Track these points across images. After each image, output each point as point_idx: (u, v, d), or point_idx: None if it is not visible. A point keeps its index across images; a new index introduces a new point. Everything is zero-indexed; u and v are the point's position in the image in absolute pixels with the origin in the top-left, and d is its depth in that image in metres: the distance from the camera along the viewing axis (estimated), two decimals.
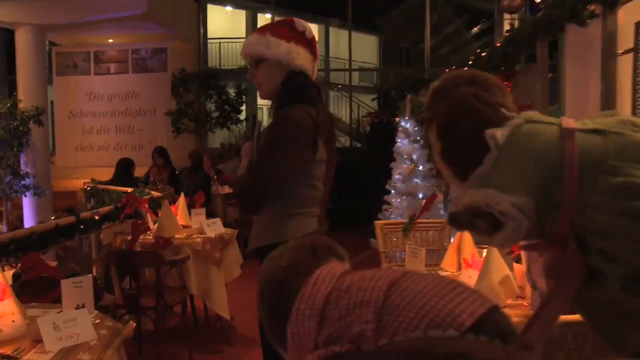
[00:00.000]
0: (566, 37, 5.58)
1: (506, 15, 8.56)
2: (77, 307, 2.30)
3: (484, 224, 1.00)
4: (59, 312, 2.33)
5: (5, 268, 4.48)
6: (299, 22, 2.25)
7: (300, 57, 2.19)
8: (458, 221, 1.04)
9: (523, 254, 1.31)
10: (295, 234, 2.11)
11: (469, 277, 2.46)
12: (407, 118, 6.44)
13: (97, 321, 2.31)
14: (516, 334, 0.73)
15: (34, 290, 2.94)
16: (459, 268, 2.85)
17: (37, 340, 2.06)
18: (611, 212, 0.96)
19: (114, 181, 7.83)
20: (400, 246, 3.92)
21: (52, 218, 3.76)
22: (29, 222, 9.98)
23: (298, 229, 2.15)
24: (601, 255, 0.99)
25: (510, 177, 1.00)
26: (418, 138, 6.28)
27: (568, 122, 1.04)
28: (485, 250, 2.42)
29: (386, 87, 14.79)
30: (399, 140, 6.49)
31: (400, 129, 6.50)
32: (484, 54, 5.23)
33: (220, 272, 4.36)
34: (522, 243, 1.13)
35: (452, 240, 3.36)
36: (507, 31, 5.82)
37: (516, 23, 6.38)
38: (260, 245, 2.17)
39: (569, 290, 1.05)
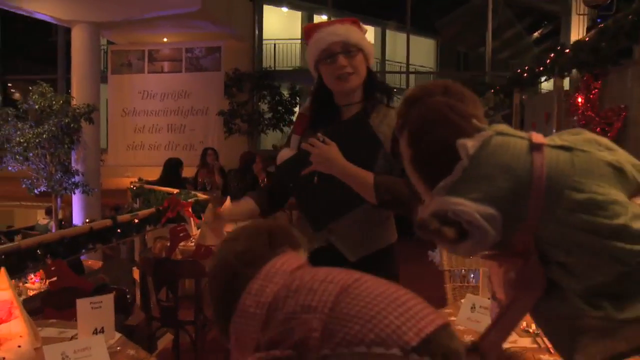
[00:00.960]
0: None
1: (576, 15, 7.99)
2: (95, 332, 1.95)
3: (451, 232, 1.00)
4: (74, 337, 1.98)
5: (36, 276, 4.23)
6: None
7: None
8: (426, 228, 1.02)
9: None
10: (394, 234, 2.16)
11: None
12: None
13: (117, 348, 1.95)
14: (459, 354, 0.72)
15: (58, 303, 2.63)
16: None
17: None
18: (574, 227, 0.98)
19: (162, 181, 7.58)
20: (469, 264, 3.44)
21: (87, 221, 3.44)
22: (77, 219, 9.90)
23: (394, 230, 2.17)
24: (561, 269, 1.02)
25: (478, 188, 1.01)
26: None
27: (537, 137, 1.05)
28: None
29: None
30: None
31: None
32: (567, 50, 4.68)
33: None
34: (483, 253, 1.12)
35: None
36: (591, 27, 5.25)
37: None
38: (376, 249, 2.09)
39: (528, 301, 1.07)
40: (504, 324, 1.08)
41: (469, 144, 1.03)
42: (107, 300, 1.97)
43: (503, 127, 1.08)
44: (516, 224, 1.02)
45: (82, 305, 1.93)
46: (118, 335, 2.05)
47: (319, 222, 2.05)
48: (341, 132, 2.02)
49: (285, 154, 2.13)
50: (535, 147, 1.03)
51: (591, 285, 1.01)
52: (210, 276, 0.90)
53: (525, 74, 5.72)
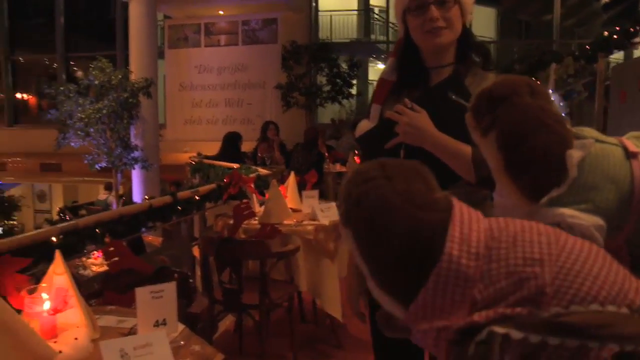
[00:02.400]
0: None
1: None
2: (157, 324, 1.74)
3: None
4: (133, 328, 1.79)
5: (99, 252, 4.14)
6: None
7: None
8: None
9: None
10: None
11: None
12: (550, 91, 5.53)
13: (181, 343, 1.75)
14: None
15: (117, 286, 2.46)
16: None
17: None
18: None
19: (220, 156, 7.44)
20: None
21: (146, 198, 3.27)
22: (137, 194, 9.95)
23: None
24: None
25: (587, 198, 0.99)
26: (564, 114, 5.37)
27: (630, 144, 1.04)
28: None
29: (506, 61, 13.66)
30: None
31: None
32: None
33: (334, 266, 3.74)
34: None
35: None
36: None
37: None
38: None
39: None
40: None
41: (575, 155, 1.00)
42: (169, 289, 1.76)
43: (596, 133, 1.05)
44: (615, 232, 1.01)
45: (142, 294, 1.72)
46: (181, 326, 1.85)
47: None
48: (432, 98, 1.73)
49: (364, 126, 1.86)
50: (632, 156, 1.02)
51: None
52: (373, 226, 0.77)
53: (615, 35, 5.22)
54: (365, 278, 0.85)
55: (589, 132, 1.05)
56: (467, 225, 0.75)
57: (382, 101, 1.87)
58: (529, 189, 1.03)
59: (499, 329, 0.70)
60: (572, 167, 0.99)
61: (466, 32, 1.79)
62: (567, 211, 0.98)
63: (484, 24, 16.35)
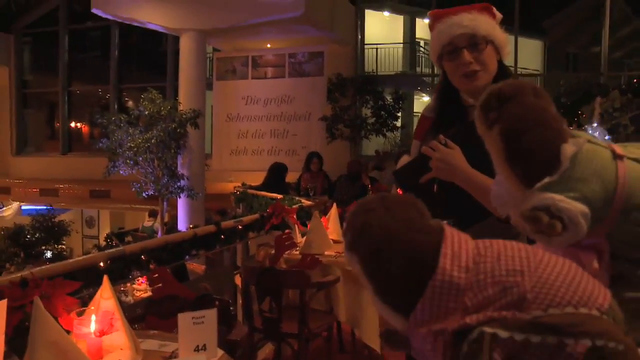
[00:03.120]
0: None
1: None
2: (197, 349, 1.79)
3: (559, 226, 1.06)
4: (174, 353, 1.84)
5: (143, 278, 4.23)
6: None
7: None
8: (538, 220, 1.08)
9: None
10: None
11: None
12: (595, 125, 5.45)
13: None
14: (623, 320, 0.84)
15: (160, 311, 2.52)
16: None
17: None
18: None
19: (265, 186, 7.52)
20: None
21: (191, 226, 3.35)
22: (182, 222, 10.12)
23: None
24: (630, 263, 1.14)
25: (575, 188, 1.09)
26: None
27: (617, 147, 1.16)
28: None
29: (552, 94, 13.44)
30: None
31: None
32: None
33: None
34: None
35: None
36: None
37: None
38: None
39: None
40: None
41: (568, 148, 1.10)
42: (210, 316, 1.81)
43: (589, 135, 1.17)
44: (596, 223, 1.11)
45: (184, 320, 1.78)
46: (220, 352, 1.89)
47: None
48: (465, 135, 1.75)
49: (404, 161, 1.90)
50: (618, 157, 1.13)
51: None
52: (375, 249, 0.89)
53: None
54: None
55: (584, 134, 1.16)
56: (457, 244, 0.88)
57: (421, 137, 1.92)
58: (525, 177, 1.14)
59: (488, 329, 0.81)
60: (565, 159, 1.10)
61: (502, 68, 1.83)
62: (557, 196, 1.08)
63: (530, 56, 16.15)
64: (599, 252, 1.17)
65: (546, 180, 1.11)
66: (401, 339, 0.95)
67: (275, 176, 7.82)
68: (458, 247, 0.88)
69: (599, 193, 1.11)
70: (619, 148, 1.17)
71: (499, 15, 1.85)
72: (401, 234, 0.89)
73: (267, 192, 6.87)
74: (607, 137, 5.38)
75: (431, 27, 1.87)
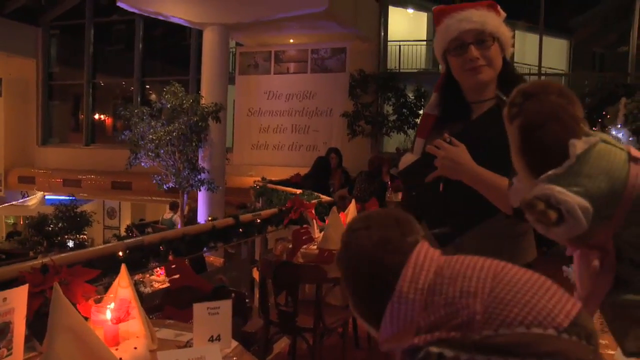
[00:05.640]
0: None
1: None
2: (211, 339, 1.81)
3: (553, 215, 1.11)
4: (189, 342, 1.86)
5: (161, 269, 4.27)
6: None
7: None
8: (533, 207, 1.12)
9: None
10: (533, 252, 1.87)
11: None
12: (619, 126, 5.37)
13: (233, 359, 1.81)
14: (597, 336, 0.83)
15: (177, 302, 2.56)
16: None
17: None
18: None
19: (311, 177, 7.40)
20: None
21: (210, 219, 3.38)
22: (201, 215, 10.19)
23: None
24: (633, 265, 1.15)
25: (580, 183, 1.12)
26: None
27: (635, 151, 1.18)
28: None
29: (577, 94, 13.24)
30: None
31: None
32: None
33: None
34: (569, 239, 1.22)
35: None
36: None
37: None
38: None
39: (602, 292, 1.21)
40: (589, 310, 1.18)
41: (578, 145, 1.14)
42: (225, 307, 1.83)
43: (606, 136, 1.20)
44: (602, 221, 1.13)
45: (199, 310, 1.80)
46: (235, 343, 1.91)
47: (445, 235, 1.76)
48: (471, 133, 1.75)
49: (408, 159, 1.90)
50: (633, 159, 1.15)
51: None
52: (347, 265, 0.97)
53: None
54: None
55: (601, 134, 1.19)
56: (420, 265, 0.91)
57: (425, 135, 1.91)
58: (534, 168, 1.20)
59: (434, 349, 0.85)
60: (572, 154, 1.14)
61: (506, 66, 1.83)
62: (557, 188, 1.12)
63: (555, 55, 15.97)
64: (604, 251, 1.19)
65: (551, 172, 1.15)
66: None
67: (324, 170, 7.68)
68: (420, 268, 0.91)
69: (604, 191, 1.13)
70: (636, 151, 1.18)
71: (503, 14, 1.84)
72: (372, 255, 0.94)
73: (314, 185, 6.76)
74: (631, 139, 5.29)
75: (437, 22, 1.86)
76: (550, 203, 1.13)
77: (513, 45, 1.85)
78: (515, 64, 15.15)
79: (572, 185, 1.13)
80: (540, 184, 1.16)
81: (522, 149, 1.22)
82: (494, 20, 1.78)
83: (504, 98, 1.78)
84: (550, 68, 15.14)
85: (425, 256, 0.94)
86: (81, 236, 12.11)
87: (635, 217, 1.15)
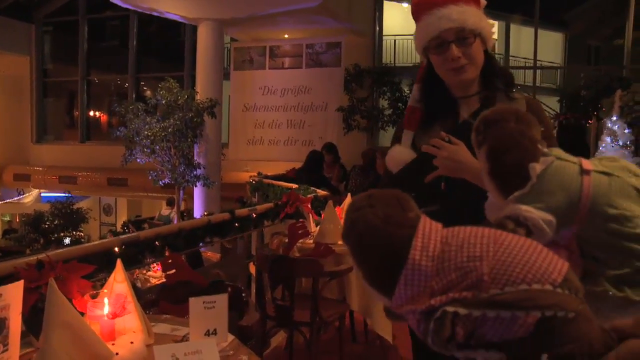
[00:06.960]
0: None
1: None
2: (207, 333, 1.81)
3: (522, 232, 1.24)
4: (185, 336, 1.87)
5: (158, 265, 4.28)
6: None
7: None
8: (504, 228, 1.22)
9: None
10: None
11: None
12: (614, 119, 5.38)
13: (230, 352, 1.81)
14: (583, 289, 0.98)
15: (173, 297, 2.56)
16: None
17: None
18: (607, 233, 1.28)
19: (305, 171, 7.36)
20: None
21: (205, 213, 3.38)
22: (198, 211, 10.19)
23: None
24: (596, 261, 1.31)
25: (542, 200, 1.28)
26: (629, 143, 5.18)
27: (586, 163, 1.34)
28: None
29: (572, 87, 13.28)
30: (602, 145, 5.44)
31: (605, 130, 5.42)
32: None
33: None
34: None
35: None
36: None
37: None
38: None
39: None
40: None
41: (537, 167, 1.30)
42: (221, 301, 1.83)
43: (560, 153, 1.35)
44: (565, 226, 1.29)
45: (195, 304, 1.80)
46: (231, 337, 1.91)
47: (433, 213, 1.76)
48: (467, 130, 1.74)
49: (397, 153, 1.87)
50: (584, 172, 1.30)
51: (617, 274, 1.27)
52: (357, 242, 1.06)
53: None
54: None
55: (556, 152, 1.35)
56: (427, 236, 1.03)
57: (414, 128, 1.88)
58: (503, 190, 1.35)
59: (450, 308, 0.96)
60: (533, 175, 1.30)
61: (489, 59, 1.80)
62: (523, 207, 1.27)
63: (551, 49, 15.97)
64: (570, 251, 1.34)
65: (517, 193, 1.31)
66: (397, 314, 1.10)
67: (317, 164, 7.60)
68: (427, 239, 1.02)
69: (563, 203, 1.29)
70: (588, 163, 1.34)
71: (483, 2, 1.80)
72: (380, 229, 1.03)
73: (308, 179, 6.71)
74: (626, 131, 5.31)
75: (416, 17, 1.81)
76: (519, 221, 1.27)
77: (495, 35, 1.83)
78: (510, 58, 15.20)
79: (536, 202, 1.29)
80: (509, 204, 1.32)
81: (490, 174, 1.38)
82: (474, 16, 1.74)
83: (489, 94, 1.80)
84: (546, 61, 15.15)
85: (431, 228, 1.04)
86: (77, 233, 12.11)
87: (592, 222, 1.29)
